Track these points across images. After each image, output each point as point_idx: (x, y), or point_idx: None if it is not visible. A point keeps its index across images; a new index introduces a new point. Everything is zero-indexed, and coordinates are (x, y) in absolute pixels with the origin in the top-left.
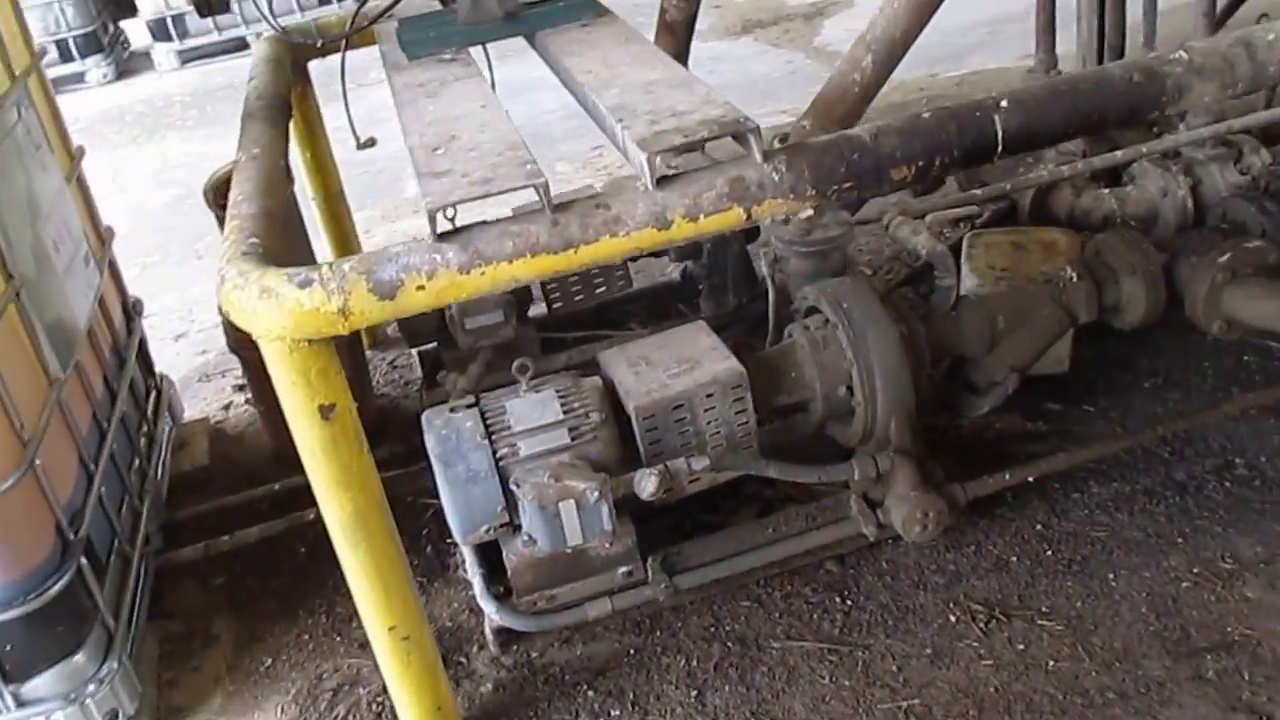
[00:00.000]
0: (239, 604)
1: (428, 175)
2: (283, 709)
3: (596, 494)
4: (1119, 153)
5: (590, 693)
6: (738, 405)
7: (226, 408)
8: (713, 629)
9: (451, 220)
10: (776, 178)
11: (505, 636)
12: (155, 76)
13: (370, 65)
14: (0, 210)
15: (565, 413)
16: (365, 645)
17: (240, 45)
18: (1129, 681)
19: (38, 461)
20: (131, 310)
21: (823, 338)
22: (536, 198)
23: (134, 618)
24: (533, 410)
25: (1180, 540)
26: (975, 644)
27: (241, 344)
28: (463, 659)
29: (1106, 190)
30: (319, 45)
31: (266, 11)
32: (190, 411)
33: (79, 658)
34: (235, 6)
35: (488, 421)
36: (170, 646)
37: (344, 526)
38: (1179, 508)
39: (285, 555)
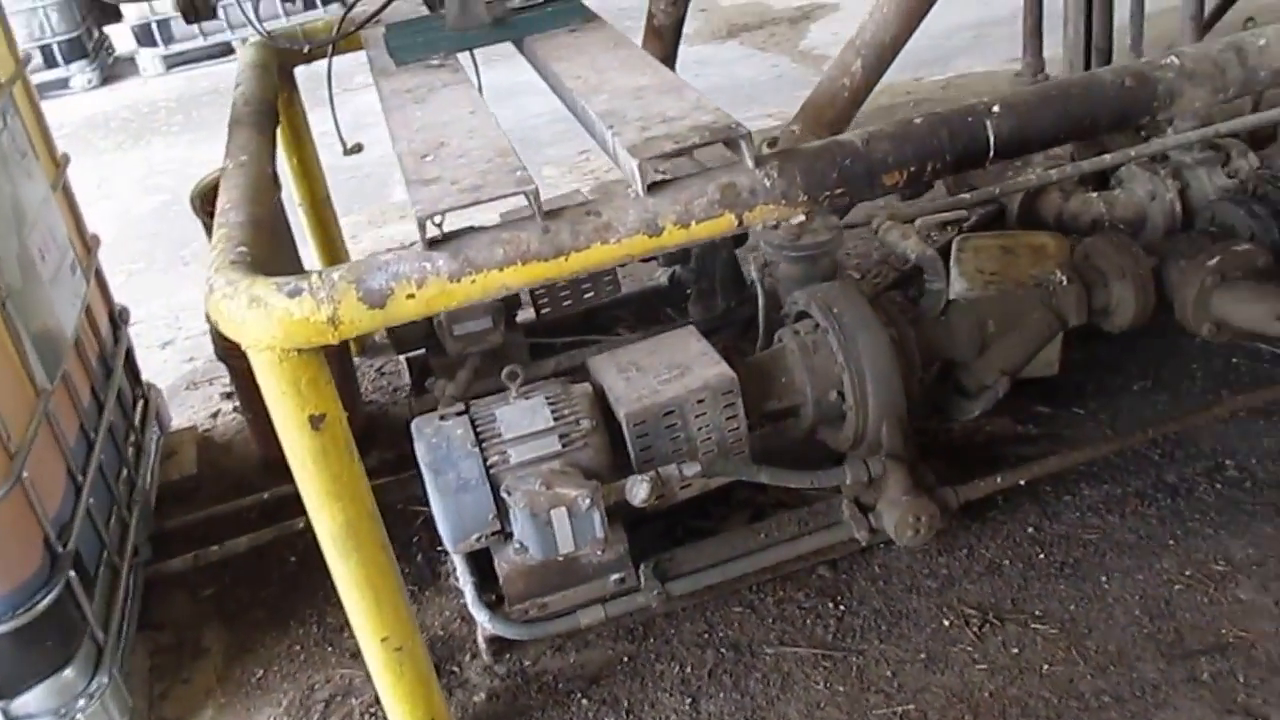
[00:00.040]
0: (229, 615)
1: (417, 182)
2: None
3: (588, 501)
4: (1107, 156)
5: (584, 701)
6: (729, 411)
7: (214, 416)
8: (706, 635)
9: (440, 227)
10: (768, 184)
11: (498, 645)
12: (140, 82)
13: (356, 70)
14: None
15: (556, 420)
16: (357, 655)
17: (226, 50)
18: (1124, 685)
19: (25, 474)
20: (118, 318)
21: (813, 342)
22: (527, 205)
23: (123, 630)
24: (523, 417)
25: (1172, 542)
26: (969, 648)
27: (229, 352)
28: (455, 668)
29: (1095, 194)
30: (306, 51)
31: (253, 17)
32: (178, 420)
33: (69, 672)
34: (221, 12)
35: (478, 429)
36: (160, 659)
37: (335, 537)
38: (1170, 510)
39: (275, 565)
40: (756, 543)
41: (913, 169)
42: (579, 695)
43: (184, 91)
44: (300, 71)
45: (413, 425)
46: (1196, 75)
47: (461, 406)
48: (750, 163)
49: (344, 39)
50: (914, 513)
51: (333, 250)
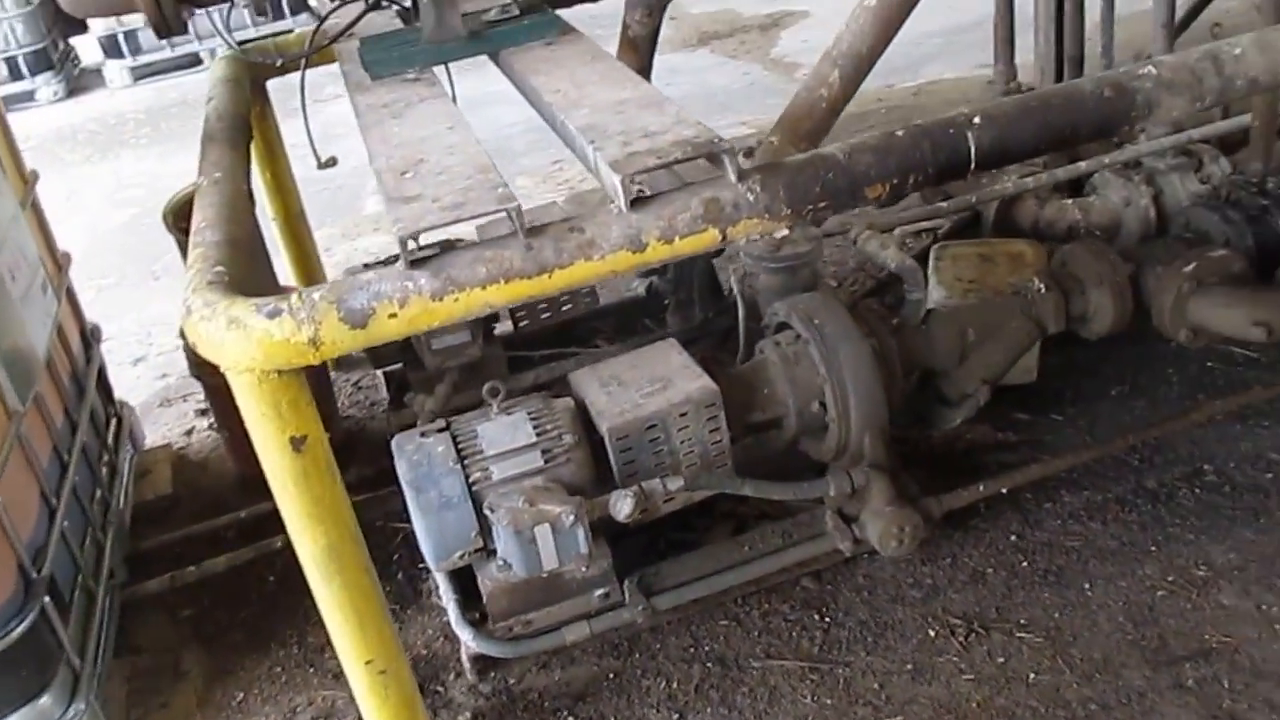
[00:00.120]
0: (208, 637)
1: (396, 200)
2: None
3: (572, 517)
4: (1082, 163)
5: (570, 718)
6: (711, 424)
7: (189, 433)
8: (692, 650)
9: (416, 240)
10: (751, 198)
11: (482, 663)
12: (107, 94)
13: (327, 81)
14: None
15: (538, 435)
16: (339, 676)
17: (194, 61)
18: (1110, 692)
19: None
20: (90, 337)
21: (794, 353)
22: (509, 222)
23: (100, 656)
24: (505, 433)
25: (1154, 548)
26: (955, 658)
27: (204, 369)
28: (440, 688)
29: (1070, 201)
30: (278, 65)
31: (224, 31)
32: (152, 438)
33: (45, 700)
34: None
35: (459, 446)
36: (138, 683)
37: (317, 561)
38: (1151, 516)
39: (254, 585)
40: (741, 555)
41: (895, 181)
42: (565, 713)
43: (152, 103)
44: (271, 80)
45: (393, 442)
46: (1174, 85)
47: (443, 423)
48: (733, 177)
49: (317, 53)
50: (898, 523)
51: (307, 265)
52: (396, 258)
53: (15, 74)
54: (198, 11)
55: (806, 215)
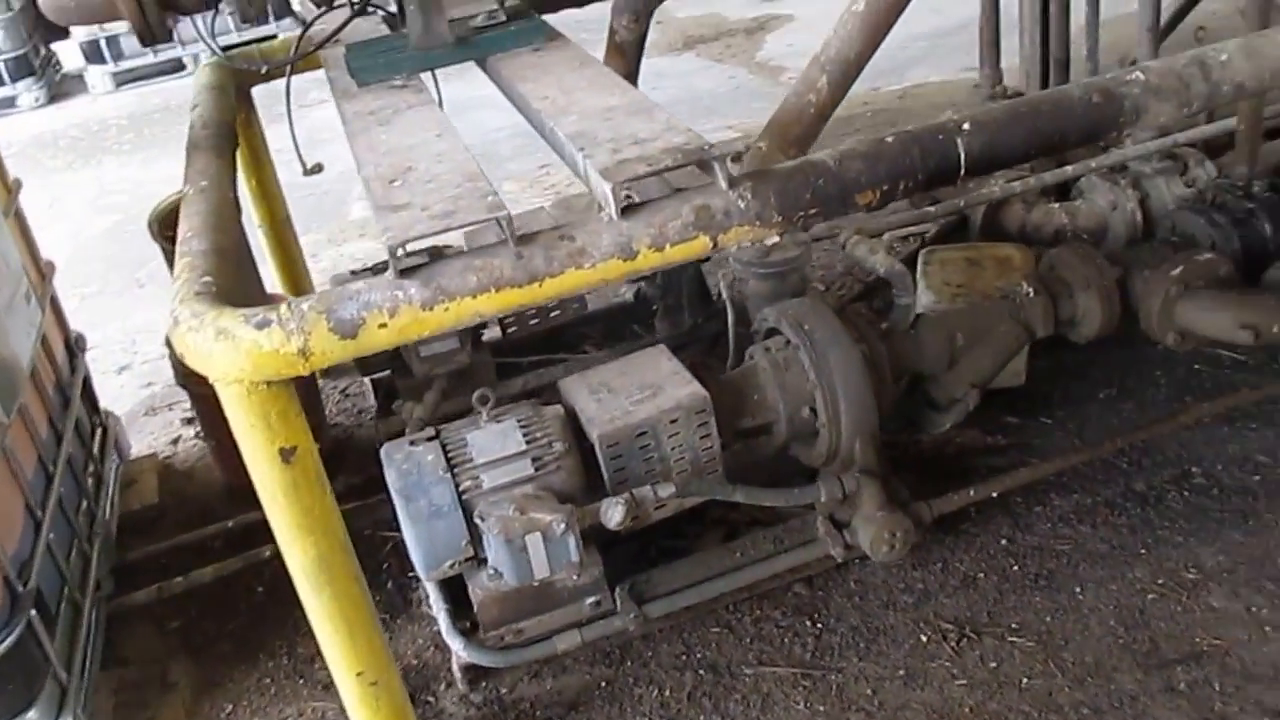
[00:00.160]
0: (196, 648)
1: (385, 209)
2: None
3: (563, 526)
4: (1068, 168)
5: None
6: (702, 430)
7: (175, 442)
8: (684, 657)
9: (406, 250)
10: (742, 205)
11: (473, 673)
12: (89, 99)
13: (311, 86)
14: None
15: (528, 443)
16: (329, 687)
17: (177, 67)
18: (1102, 696)
19: None
20: (74, 346)
21: (784, 359)
22: (499, 230)
23: (87, 669)
24: (495, 441)
25: (1144, 551)
26: (948, 664)
27: (190, 377)
28: (430, 698)
29: (1057, 204)
30: (264, 71)
31: (208, 37)
32: (137, 447)
33: (31, 714)
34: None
35: (449, 454)
36: (126, 696)
37: (307, 572)
38: (1140, 519)
39: (242, 595)
40: (732, 562)
41: (885, 188)
42: None
43: (135, 109)
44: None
45: (382, 451)
46: (1162, 91)
47: (432, 431)
48: (724, 184)
49: (302, 59)
50: (889, 528)
51: (294, 271)
52: (384, 265)
53: None
54: (182, 18)
55: (797, 222)
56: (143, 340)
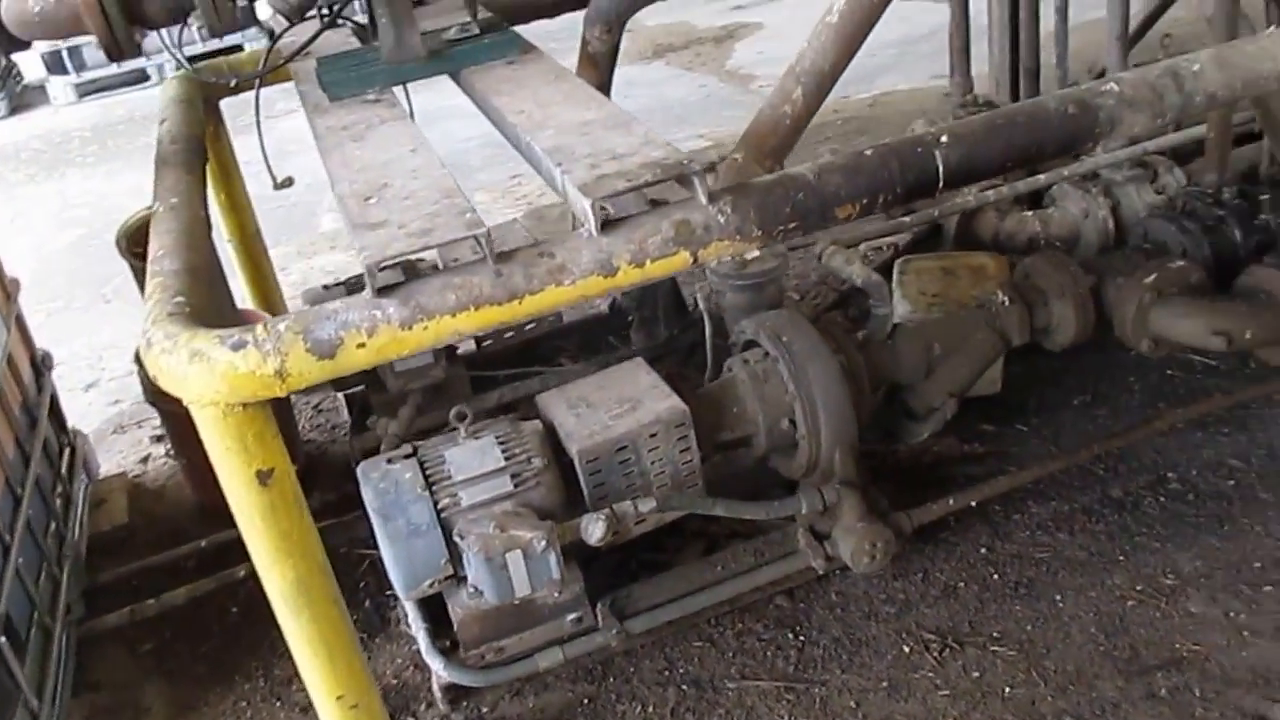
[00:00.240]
0: (170, 671)
1: (362, 226)
2: None
3: (544, 543)
4: (1041, 176)
5: None
6: (682, 444)
7: (144, 460)
8: (666, 672)
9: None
10: (722, 219)
11: (454, 693)
12: (51, 111)
13: (279, 97)
14: None
15: (507, 459)
16: (307, 709)
17: (141, 77)
18: (1084, 704)
19: None
20: (41, 365)
21: (763, 371)
22: (477, 248)
23: (58, 695)
24: (473, 458)
25: (1122, 558)
26: (930, 674)
27: (160, 395)
28: (411, 719)
29: (1030, 213)
30: (232, 85)
31: (176, 50)
32: (106, 466)
33: None
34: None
35: (427, 472)
36: None
37: (285, 595)
38: (1118, 525)
39: (216, 616)
40: (713, 575)
41: (865, 201)
42: None
43: (98, 120)
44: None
45: (359, 470)
46: (1136, 102)
47: (409, 448)
48: (704, 199)
49: (272, 72)
50: (870, 539)
51: (264, 286)
52: (356, 279)
53: None
54: (148, 31)
55: (777, 236)
56: (110, 356)
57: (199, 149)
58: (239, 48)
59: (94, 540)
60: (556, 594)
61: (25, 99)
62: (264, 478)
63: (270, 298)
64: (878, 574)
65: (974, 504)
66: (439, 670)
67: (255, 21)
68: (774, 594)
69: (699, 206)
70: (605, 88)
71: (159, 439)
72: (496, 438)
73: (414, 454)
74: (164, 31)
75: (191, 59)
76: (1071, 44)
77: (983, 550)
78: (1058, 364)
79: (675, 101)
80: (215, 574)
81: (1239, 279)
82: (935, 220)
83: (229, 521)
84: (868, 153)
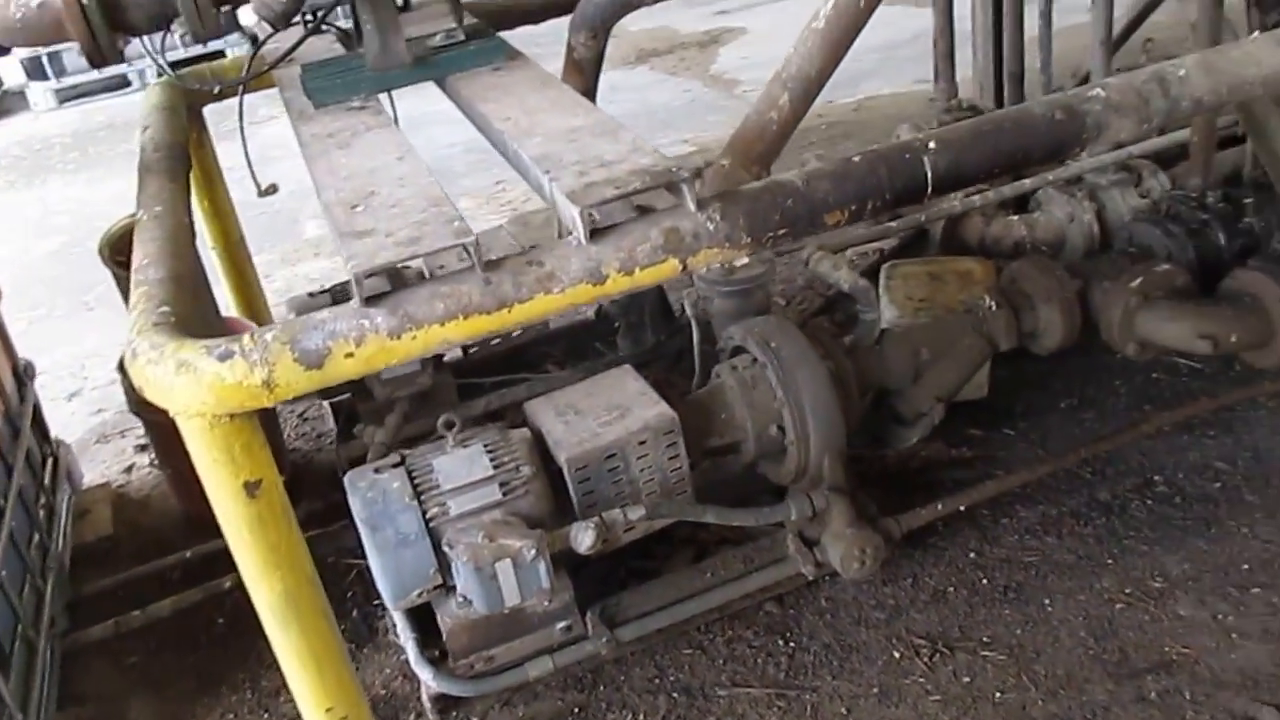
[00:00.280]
0: (156, 683)
1: (349, 235)
2: None
3: (533, 552)
4: (1026, 181)
5: None
6: (670, 451)
7: (128, 470)
8: (657, 680)
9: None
10: (711, 227)
11: (444, 703)
12: (31, 117)
13: (261, 103)
14: None
15: (495, 468)
16: None
17: (122, 83)
18: (1075, 708)
19: None
20: (23, 374)
21: (751, 377)
22: (465, 256)
23: (42, 708)
24: (461, 467)
25: (1110, 561)
26: (921, 679)
27: (144, 405)
28: None
29: (1015, 217)
30: (216, 92)
31: (160, 57)
32: (90, 476)
33: None
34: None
35: (415, 481)
36: None
37: (274, 608)
38: (1106, 528)
39: (203, 627)
40: (703, 582)
41: (854, 207)
42: None
43: (78, 127)
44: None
45: (346, 479)
46: (1123, 107)
47: (397, 457)
48: (692, 206)
49: (255, 79)
50: (859, 545)
51: (248, 294)
52: (341, 287)
53: None
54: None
55: (766, 243)
56: (93, 365)
57: (182, 156)
58: (220, 54)
59: (78, 552)
60: (546, 602)
61: (5, 105)
62: (252, 489)
63: (254, 305)
64: (867, 580)
65: (962, 508)
66: (428, 680)
67: (238, 27)
68: (764, 600)
69: (688, 214)
70: (591, 93)
71: (143, 448)
72: (485, 446)
73: (402, 463)
74: (148, 40)
75: (173, 64)
76: (1054, 49)
77: (971, 555)
78: (1044, 368)
79: (659, 106)
80: (201, 585)
81: (1223, 282)
82: (921, 225)
83: (214, 531)
84: (856, 159)
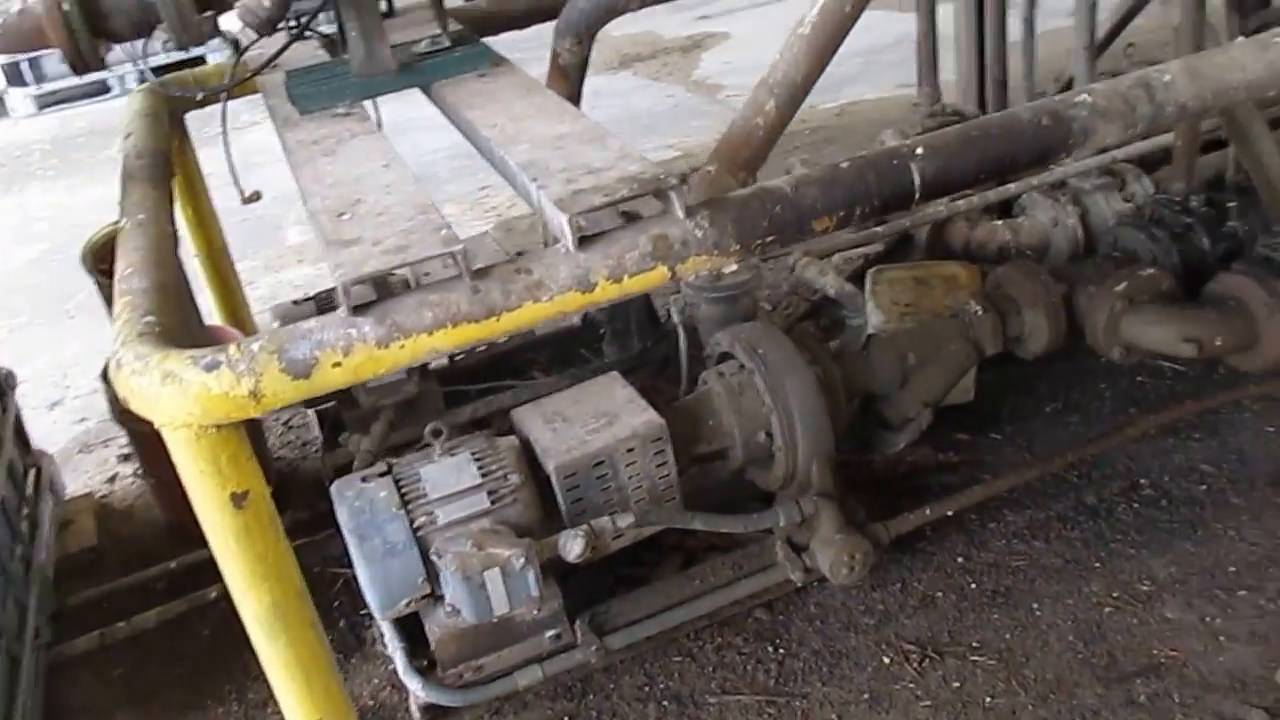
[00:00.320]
0: (141, 696)
1: (336, 243)
2: None
3: (522, 560)
4: (1011, 185)
5: None
6: (659, 458)
7: (112, 480)
8: (647, 688)
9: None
10: (700, 234)
11: (433, 713)
12: (10, 123)
13: (244, 108)
14: None
15: (483, 476)
16: None
17: (102, 89)
18: (1064, 712)
19: None
20: (4, 384)
21: (739, 383)
22: (453, 265)
23: None
24: (449, 475)
25: (1097, 565)
26: (911, 685)
27: (127, 414)
28: None
29: (1000, 222)
30: (198, 98)
31: (142, 63)
32: (73, 486)
33: None
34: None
35: (402, 490)
36: None
37: (261, 619)
38: (1093, 532)
39: (188, 639)
40: (692, 590)
41: (842, 214)
42: None
43: (58, 133)
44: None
45: (333, 488)
46: (1109, 113)
47: (384, 466)
48: (681, 213)
49: (238, 85)
50: (848, 551)
51: (232, 301)
52: (326, 294)
53: None
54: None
55: (755, 250)
56: (75, 374)
57: (165, 163)
58: (201, 59)
59: (62, 563)
60: (535, 611)
61: None
62: (238, 500)
63: (238, 313)
64: (856, 585)
65: (950, 513)
66: (417, 690)
67: (219, 33)
68: (753, 607)
69: (676, 221)
70: (575, 99)
71: (126, 458)
72: (472, 454)
73: (389, 471)
74: (129, 45)
75: (157, 71)
76: (1036, 53)
77: (960, 559)
78: (1030, 372)
79: (643, 111)
80: (187, 595)
81: (1208, 286)
82: (906, 230)
83: (200, 542)
84: (844, 165)
